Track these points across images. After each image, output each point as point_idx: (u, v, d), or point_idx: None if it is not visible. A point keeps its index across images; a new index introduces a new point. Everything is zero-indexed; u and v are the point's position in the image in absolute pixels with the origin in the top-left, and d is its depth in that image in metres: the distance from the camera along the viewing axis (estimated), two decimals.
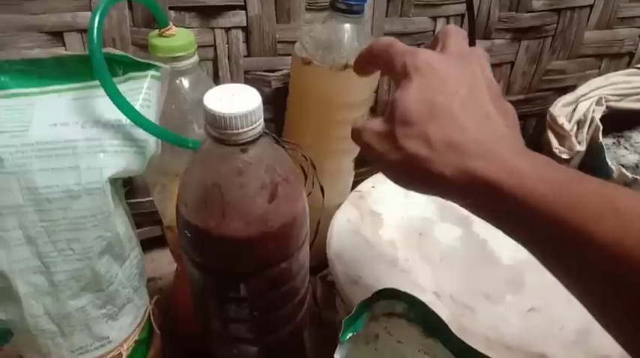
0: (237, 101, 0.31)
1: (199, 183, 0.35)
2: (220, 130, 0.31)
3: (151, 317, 0.47)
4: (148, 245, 0.61)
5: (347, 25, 0.49)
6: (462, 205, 0.31)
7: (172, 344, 0.51)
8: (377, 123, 0.33)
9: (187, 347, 0.52)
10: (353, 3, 0.47)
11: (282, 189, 0.35)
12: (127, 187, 0.44)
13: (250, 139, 0.32)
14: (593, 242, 0.25)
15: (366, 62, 0.38)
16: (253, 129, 0.32)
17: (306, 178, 0.40)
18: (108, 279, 0.40)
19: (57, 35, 0.50)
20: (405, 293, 0.39)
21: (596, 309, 0.27)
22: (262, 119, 0.33)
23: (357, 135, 0.34)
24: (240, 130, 0.31)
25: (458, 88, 0.31)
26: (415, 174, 0.31)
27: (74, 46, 0.51)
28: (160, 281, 0.64)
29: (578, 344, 0.43)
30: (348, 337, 0.37)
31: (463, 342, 0.37)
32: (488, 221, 0.30)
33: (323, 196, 0.41)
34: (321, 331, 0.55)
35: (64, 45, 0.50)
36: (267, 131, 0.34)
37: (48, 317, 0.39)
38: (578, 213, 0.26)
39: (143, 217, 0.62)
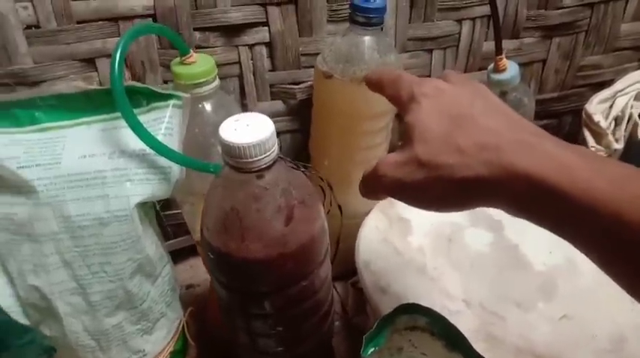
0: (250, 130, 0.33)
1: (219, 208, 0.36)
2: (236, 159, 0.33)
3: (185, 329, 0.49)
4: (186, 253, 0.63)
5: (367, 38, 0.49)
6: (504, 209, 0.28)
7: (207, 352, 0.53)
8: (392, 155, 0.32)
9: (221, 355, 0.53)
10: (372, 16, 0.47)
11: (298, 212, 0.36)
12: (162, 201, 0.46)
13: (265, 166, 0.33)
14: None
15: (373, 88, 0.37)
16: (267, 156, 0.33)
17: (324, 197, 0.40)
18: (141, 297, 0.43)
19: (89, 62, 0.52)
20: (426, 308, 0.39)
21: None
22: (276, 145, 0.34)
23: (370, 175, 0.33)
24: (255, 158, 0.33)
25: (472, 100, 0.31)
26: (448, 188, 0.29)
27: (106, 71, 0.53)
28: (199, 288, 0.65)
29: (612, 353, 0.42)
30: (369, 352, 0.38)
31: None
32: (532, 221, 0.28)
33: (341, 214, 0.41)
34: (352, 336, 0.56)
35: (97, 70, 0.53)
36: (282, 156, 0.35)
37: (87, 334, 0.42)
38: None
39: (179, 227, 0.64)
